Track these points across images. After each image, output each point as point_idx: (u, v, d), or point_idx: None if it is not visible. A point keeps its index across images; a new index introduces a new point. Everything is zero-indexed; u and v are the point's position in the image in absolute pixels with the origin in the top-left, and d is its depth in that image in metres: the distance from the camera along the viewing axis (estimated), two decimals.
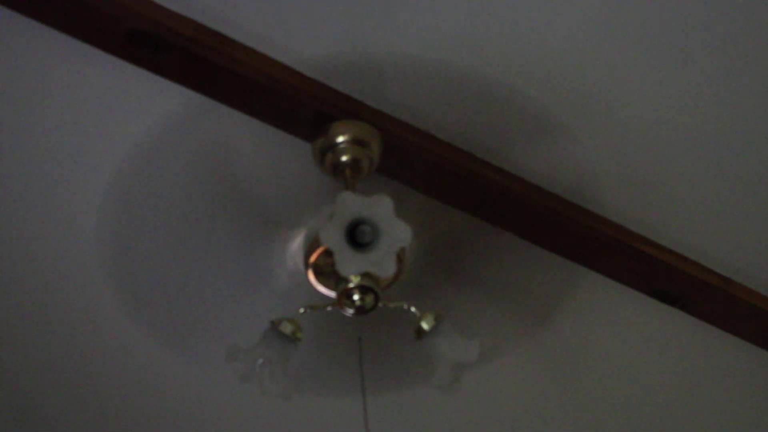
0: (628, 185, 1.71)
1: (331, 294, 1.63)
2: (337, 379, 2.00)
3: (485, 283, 1.87)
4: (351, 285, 1.50)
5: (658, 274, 1.79)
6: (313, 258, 1.64)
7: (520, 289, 1.89)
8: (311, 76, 1.52)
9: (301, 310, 1.59)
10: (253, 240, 1.76)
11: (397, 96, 1.56)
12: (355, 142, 1.53)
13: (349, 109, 1.54)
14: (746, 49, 1.53)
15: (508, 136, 1.63)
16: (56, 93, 1.55)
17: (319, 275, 1.65)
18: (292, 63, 1.50)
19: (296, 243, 1.75)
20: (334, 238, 1.38)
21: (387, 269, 1.39)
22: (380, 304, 1.53)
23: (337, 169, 1.54)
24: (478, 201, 1.67)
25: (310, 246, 1.66)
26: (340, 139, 1.53)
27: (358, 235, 1.41)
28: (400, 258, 1.59)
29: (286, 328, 1.56)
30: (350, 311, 1.53)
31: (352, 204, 1.39)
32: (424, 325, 1.57)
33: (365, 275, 1.49)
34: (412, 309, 1.58)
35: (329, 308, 1.58)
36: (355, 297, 1.51)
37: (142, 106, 1.57)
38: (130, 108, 1.57)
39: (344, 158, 1.53)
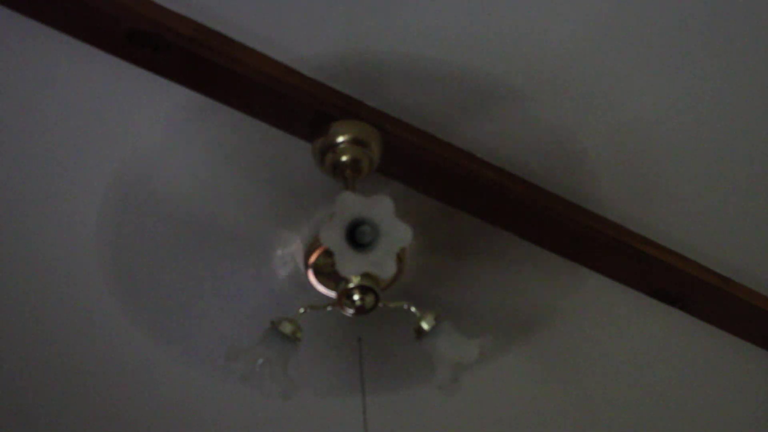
0: (628, 185, 1.71)
1: (331, 294, 1.63)
2: (337, 379, 2.00)
3: (485, 284, 1.87)
4: (351, 285, 1.50)
5: (658, 274, 1.79)
6: (313, 258, 1.64)
7: (520, 289, 1.89)
8: (311, 76, 1.52)
9: (301, 310, 1.59)
10: (253, 240, 1.76)
11: (397, 96, 1.56)
12: (355, 142, 1.53)
13: (349, 109, 1.54)
14: (746, 49, 1.53)
15: (508, 135, 1.63)
16: (56, 93, 1.55)
17: (319, 275, 1.66)
18: (292, 63, 1.50)
19: (296, 243, 1.75)
20: (334, 238, 1.38)
21: (387, 270, 1.39)
22: (380, 304, 1.53)
23: (337, 169, 1.54)
24: (478, 201, 1.67)
25: (310, 246, 1.66)
26: (340, 139, 1.53)
27: (358, 236, 1.41)
28: (400, 258, 1.59)
29: (286, 328, 1.56)
30: (350, 311, 1.53)
31: (352, 204, 1.39)
32: (424, 325, 1.57)
33: (365, 275, 1.49)
34: (412, 309, 1.58)
35: (329, 308, 1.58)
36: (355, 297, 1.51)
37: (142, 106, 1.57)
38: (130, 108, 1.57)
39: (344, 158, 1.53)
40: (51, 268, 1.79)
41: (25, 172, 1.65)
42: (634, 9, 1.47)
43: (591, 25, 1.49)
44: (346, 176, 1.53)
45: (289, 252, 1.77)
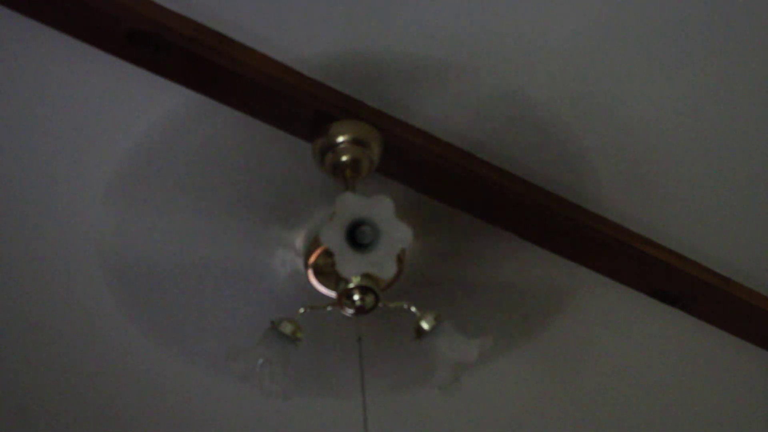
0: (628, 185, 1.71)
1: (331, 294, 1.62)
2: (337, 379, 2.00)
3: (485, 283, 1.87)
4: (351, 285, 1.50)
5: (658, 274, 1.79)
6: (313, 258, 1.64)
7: (520, 289, 1.89)
8: (311, 76, 1.52)
9: (301, 310, 1.59)
10: (253, 240, 1.76)
11: (397, 96, 1.56)
12: (355, 142, 1.53)
13: (349, 109, 1.54)
14: (746, 49, 1.53)
15: (508, 135, 1.63)
16: (56, 93, 1.55)
17: (319, 275, 1.65)
18: (292, 63, 1.50)
19: (296, 243, 1.75)
20: (334, 238, 1.37)
21: (387, 270, 1.39)
22: (380, 304, 1.53)
23: (337, 169, 1.54)
24: (478, 201, 1.67)
25: (310, 246, 1.66)
26: (340, 139, 1.53)
27: (358, 236, 1.41)
28: (400, 258, 1.59)
29: (286, 328, 1.55)
30: (350, 311, 1.53)
31: (353, 204, 1.39)
32: (424, 325, 1.57)
33: (365, 275, 1.49)
34: (412, 309, 1.58)
35: (329, 308, 1.58)
36: (355, 297, 1.51)
37: (142, 106, 1.57)
38: (130, 108, 1.57)
39: (344, 158, 1.53)
40: (51, 268, 1.79)
41: (25, 171, 1.65)
42: (634, 9, 1.47)
43: (591, 25, 1.49)
44: (346, 176, 1.53)
45: (289, 252, 1.77)
